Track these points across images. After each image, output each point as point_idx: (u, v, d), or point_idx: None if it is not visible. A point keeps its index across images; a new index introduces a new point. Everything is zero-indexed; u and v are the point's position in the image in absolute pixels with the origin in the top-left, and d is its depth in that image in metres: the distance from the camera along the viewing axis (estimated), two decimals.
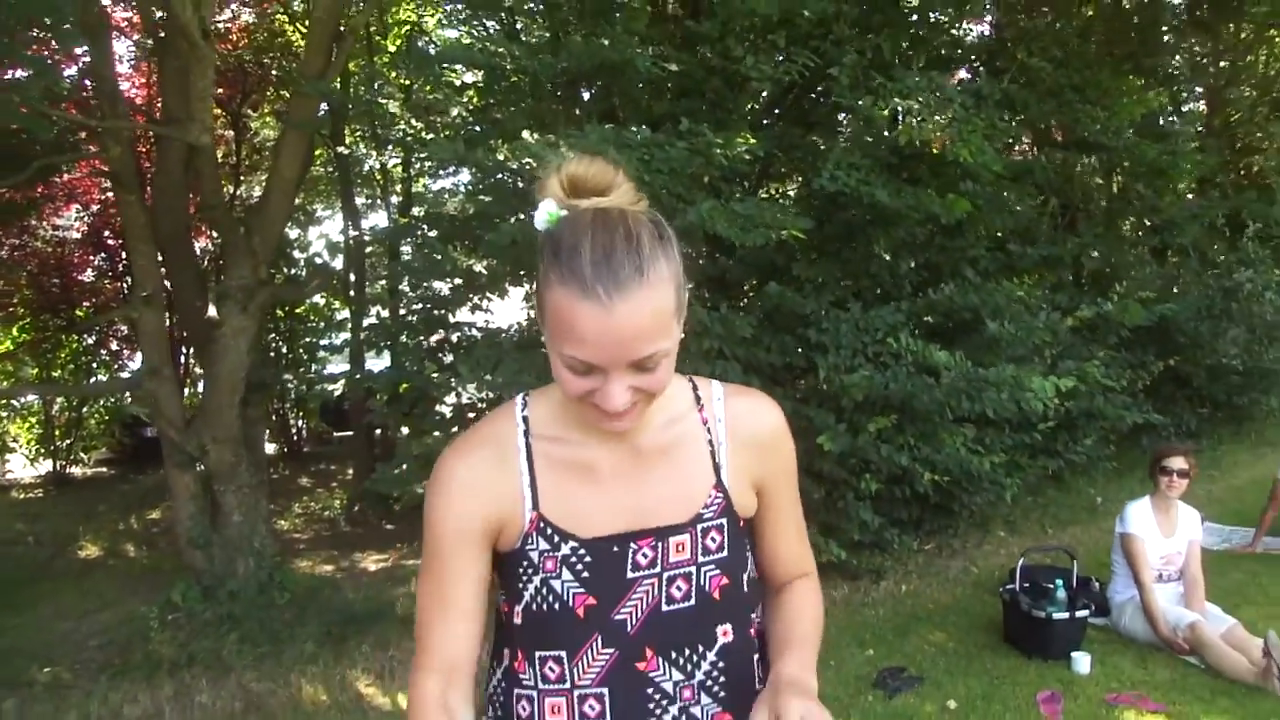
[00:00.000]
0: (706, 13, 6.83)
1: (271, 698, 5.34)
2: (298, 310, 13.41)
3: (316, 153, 10.89)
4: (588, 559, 1.40)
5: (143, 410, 15.79)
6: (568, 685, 1.42)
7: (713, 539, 1.45)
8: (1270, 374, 10.54)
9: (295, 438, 15.63)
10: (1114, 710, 4.59)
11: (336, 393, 10.63)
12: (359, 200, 12.64)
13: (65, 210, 12.89)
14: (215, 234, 9.09)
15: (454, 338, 7.55)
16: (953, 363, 5.79)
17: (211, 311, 6.94)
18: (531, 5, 8.07)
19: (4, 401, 13.05)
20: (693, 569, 1.44)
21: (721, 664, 1.46)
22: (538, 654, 1.43)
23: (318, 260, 12.29)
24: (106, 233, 13.21)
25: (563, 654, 1.42)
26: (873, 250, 6.79)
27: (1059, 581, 5.43)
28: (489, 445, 1.43)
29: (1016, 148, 9.62)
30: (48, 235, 13.11)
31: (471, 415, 7.09)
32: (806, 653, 1.47)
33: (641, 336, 1.23)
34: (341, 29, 7.13)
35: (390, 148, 10.76)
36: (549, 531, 1.40)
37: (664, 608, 1.42)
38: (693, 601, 1.44)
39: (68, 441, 14.06)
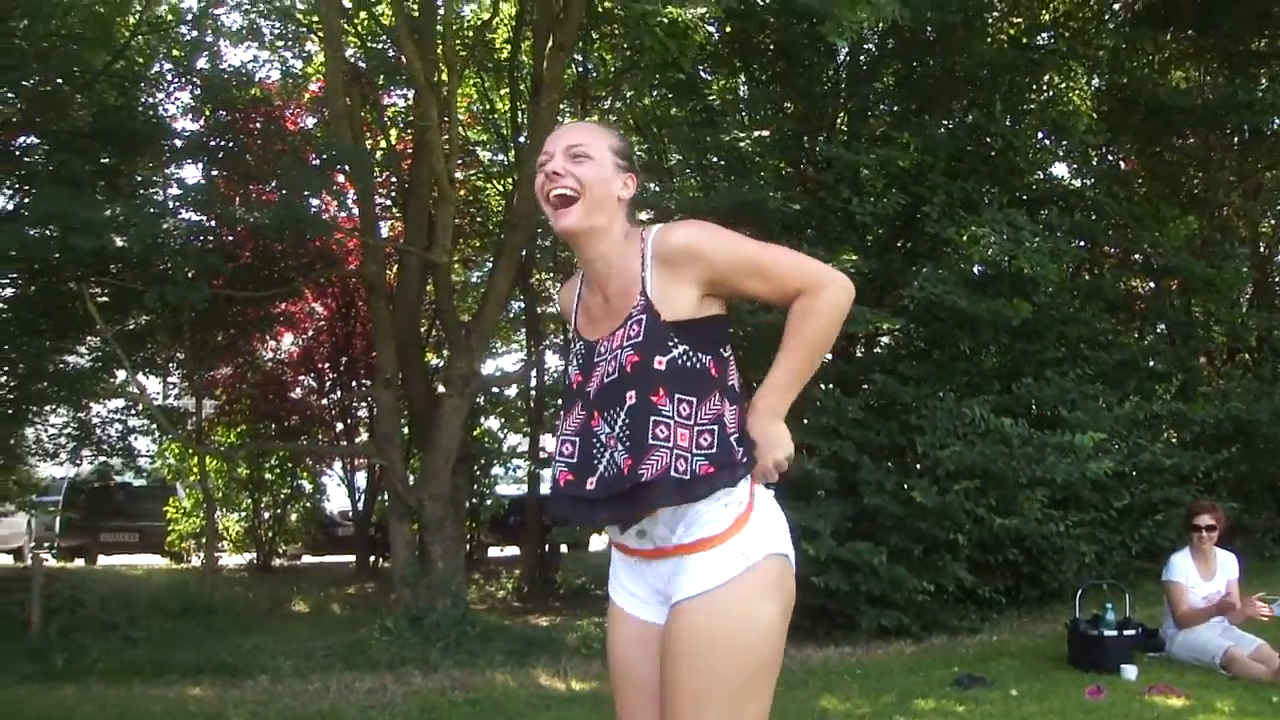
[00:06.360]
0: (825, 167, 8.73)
1: (471, 681, 6.82)
2: (474, 434, 15.34)
3: None
4: (581, 350, 2.19)
5: (338, 512, 18.00)
6: (563, 431, 2.19)
7: (633, 329, 2.06)
8: None
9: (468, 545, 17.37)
10: (1147, 697, 5.59)
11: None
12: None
13: (281, 335, 15.28)
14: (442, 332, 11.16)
15: None
16: (1017, 428, 7.17)
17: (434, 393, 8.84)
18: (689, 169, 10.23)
19: (221, 497, 15.17)
20: (619, 350, 2.07)
21: (628, 420, 2.03)
22: (563, 409, 2.26)
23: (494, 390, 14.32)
24: (316, 357, 15.57)
25: (565, 409, 2.23)
26: (959, 350, 8.31)
27: (1109, 605, 6.55)
28: (571, 285, 2.33)
29: (1086, 272, 11.05)
30: (266, 358, 15.52)
31: None
32: (778, 369, 2.10)
33: (573, 135, 2.12)
34: None
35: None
36: (573, 335, 2.27)
37: (605, 380, 2.08)
38: (615, 374, 2.06)
39: (270, 534, 16.13)
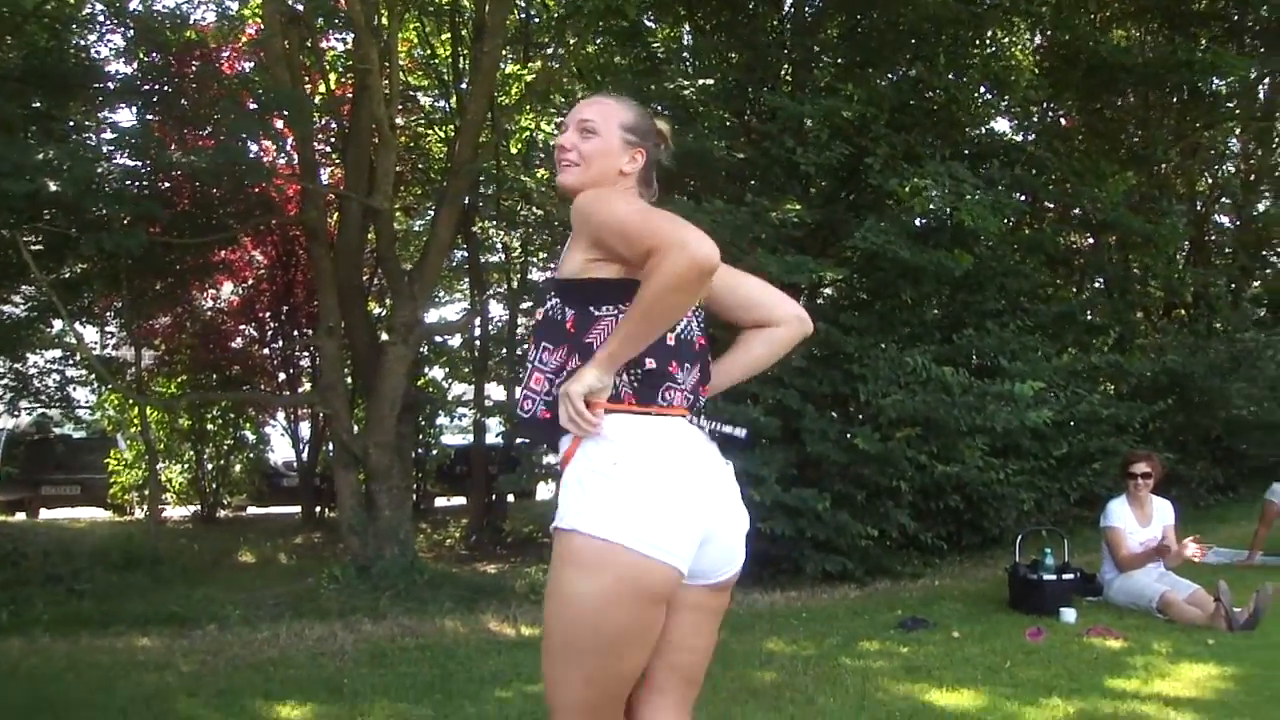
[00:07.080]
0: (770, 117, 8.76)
1: (421, 628, 6.84)
2: (419, 383, 15.25)
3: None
4: None
5: (281, 462, 17.86)
6: None
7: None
8: None
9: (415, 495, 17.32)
10: (1085, 639, 5.78)
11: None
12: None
13: (220, 284, 15.05)
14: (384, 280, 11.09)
15: None
16: (958, 377, 7.33)
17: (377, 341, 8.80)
18: None
19: (163, 448, 15.01)
20: None
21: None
22: None
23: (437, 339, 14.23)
24: (256, 306, 15.36)
25: None
26: (902, 300, 8.44)
27: (1047, 550, 6.75)
28: None
29: (1026, 226, 11.25)
30: (206, 307, 15.29)
31: None
32: (613, 336, 2.06)
33: (589, 110, 2.29)
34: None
35: (515, 230, 12.79)
36: None
37: None
38: None
39: (214, 486, 15.99)
